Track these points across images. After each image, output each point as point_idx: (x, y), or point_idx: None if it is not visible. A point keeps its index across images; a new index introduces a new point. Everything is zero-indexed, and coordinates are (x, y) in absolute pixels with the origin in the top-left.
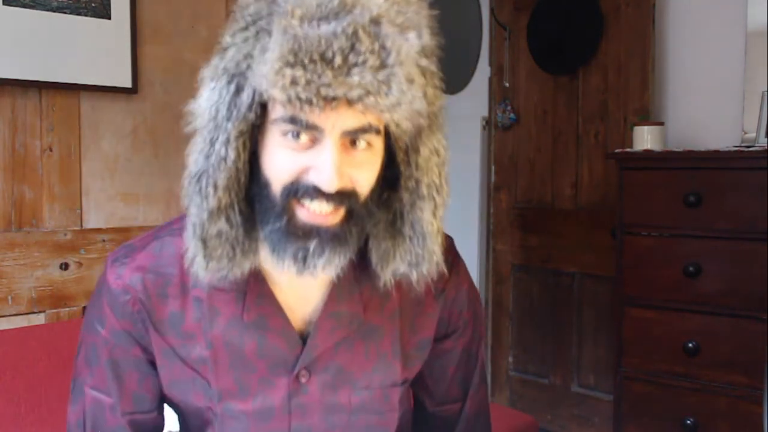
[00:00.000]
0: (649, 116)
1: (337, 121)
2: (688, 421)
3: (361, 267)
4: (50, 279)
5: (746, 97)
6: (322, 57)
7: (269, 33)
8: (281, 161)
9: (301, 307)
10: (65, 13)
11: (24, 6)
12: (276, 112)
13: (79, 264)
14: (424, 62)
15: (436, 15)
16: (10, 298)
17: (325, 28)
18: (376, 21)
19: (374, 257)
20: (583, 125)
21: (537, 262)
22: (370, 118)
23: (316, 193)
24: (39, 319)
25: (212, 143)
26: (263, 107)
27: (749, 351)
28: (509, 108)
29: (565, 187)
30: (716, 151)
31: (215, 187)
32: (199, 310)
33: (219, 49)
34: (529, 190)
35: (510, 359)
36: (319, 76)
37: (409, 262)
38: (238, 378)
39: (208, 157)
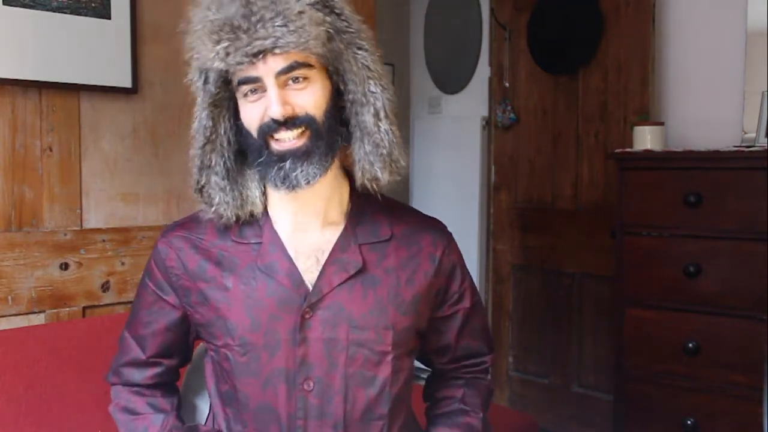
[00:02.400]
0: (649, 116)
1: (268, 68)
2: (688, 421)
3: (359, 230)
4: (50, 279)
5: (746, 97)
6: (233, 27)
7: (198, 29)
8: (249, 113)
9: (310, 256)
10: (65, 13)
11: (24, 6)
12: (234, 81)
13: (79, 264)
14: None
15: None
16: (10, 298)
17: (229, 8)
18: None
19: (354, 172)
20: (583, 125)
21: (537, 262)
22: (293, 57)
23: (276, 124)
24: (39, 319)
25: (198, 119)
26: (230, 83)
27: (749, 351)
28: (509, 108)
29: (565, 187)
30: (716, 151)
31: (203, 149)
32: (223, 261)
33: (189, 54)
34: (529, 190)
35: (510, 359)
36: (239, 42)
37: (364, 157)
38: (251, 314)
39: (198, 129)
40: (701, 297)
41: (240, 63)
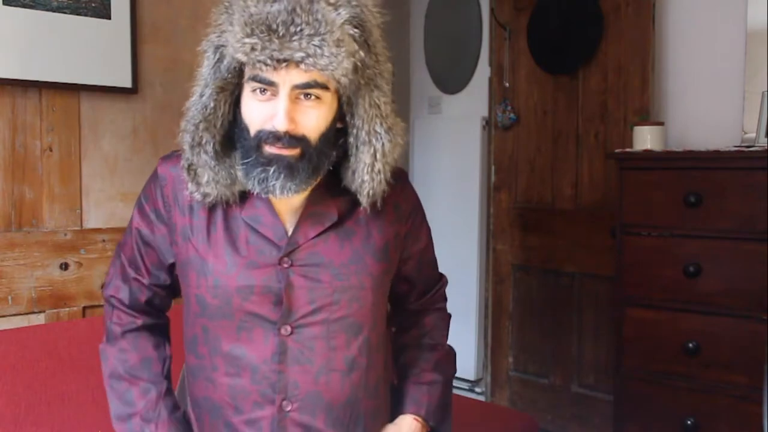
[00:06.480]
0: (649, 116)
1: (287, 78)
2: (688, 421)
3: (333, 186)
4: (50, 279)
5: (746, 97)
6: (270, 29)
7: (234, 14)
8: (252, 111)
9: (290, 214)
10: (65, 13)
11: (24, 6)
12: (247, 73)
13: (79, 264)
14: (352, 31)
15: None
16: (10, 298)
17: (272, 7)
18: (311, 0)
19: (345, 181)
20: (583, 125)
21: (537, 262)
22: (315, 76)
23: (275, 138)
24: (39, 319)
25: (201, 96)
26: (241, 72)
27: (749, 351)
28: (509, 108)
29: (565, 187)
30: (716, 151)
31: (197, 126)
32: (211, 207)
33: (211, 29)
34: (529, 190)
35: (510, 359)
36: (270, 43)
37: (353, 180)
38: (229, 258)
39: (196, 106)
40: (701, 297)
41: (263, 63)
